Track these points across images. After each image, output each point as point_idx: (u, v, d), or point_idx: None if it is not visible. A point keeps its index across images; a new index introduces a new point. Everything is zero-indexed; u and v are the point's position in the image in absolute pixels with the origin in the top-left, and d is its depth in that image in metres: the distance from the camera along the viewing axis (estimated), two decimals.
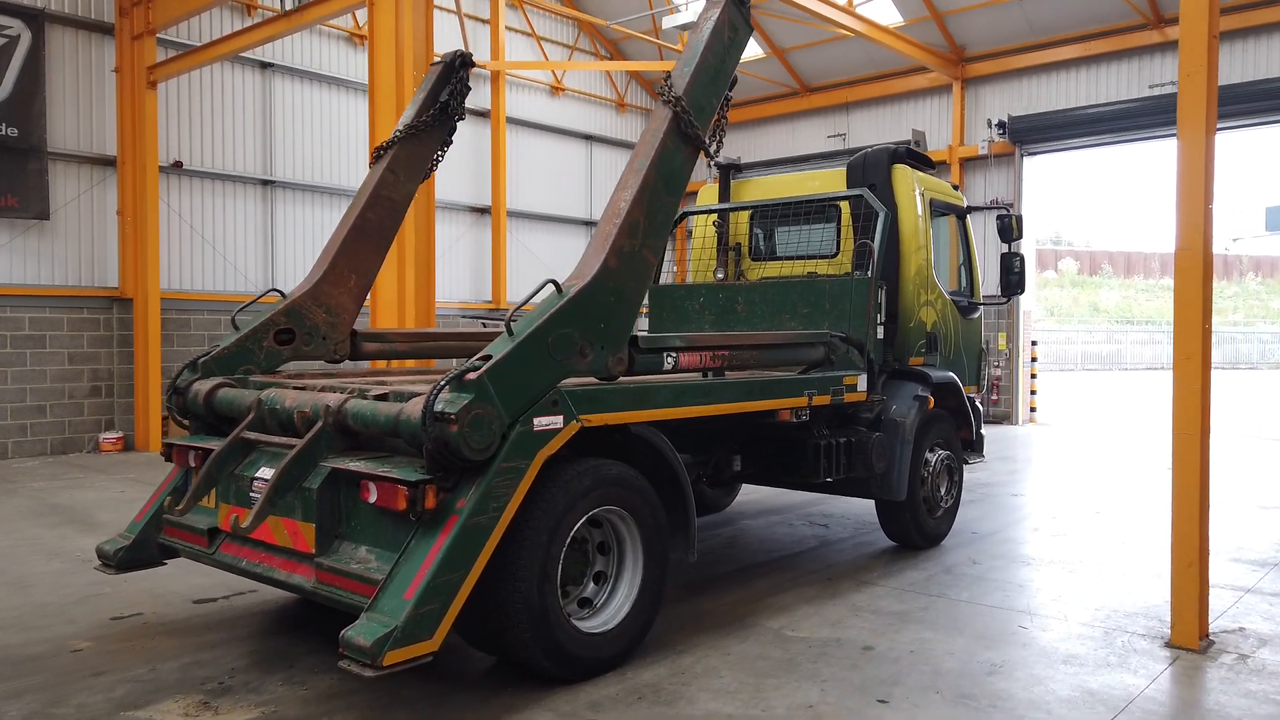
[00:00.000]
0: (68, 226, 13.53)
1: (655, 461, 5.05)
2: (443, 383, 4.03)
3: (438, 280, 11.24)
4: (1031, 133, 17.34)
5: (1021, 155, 17.74)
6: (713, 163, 8.41)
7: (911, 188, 7.50)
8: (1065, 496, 10.05)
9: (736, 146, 20.63)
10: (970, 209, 8.27)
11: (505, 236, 18.70)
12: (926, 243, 7.57)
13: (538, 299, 4.52)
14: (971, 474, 11.40)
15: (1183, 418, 5.02)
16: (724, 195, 8.45)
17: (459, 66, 6.61)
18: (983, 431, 8.37)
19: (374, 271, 6.34)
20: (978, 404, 8.42)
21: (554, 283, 4.49)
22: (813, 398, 6.02)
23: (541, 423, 4.26)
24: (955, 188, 8.35)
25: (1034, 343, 18.32)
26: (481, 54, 18.45)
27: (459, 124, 6.73)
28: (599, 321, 4.55)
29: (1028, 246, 17.95)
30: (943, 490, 7.51)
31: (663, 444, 5.02)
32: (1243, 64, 15.34)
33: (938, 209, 7.85)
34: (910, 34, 17.71)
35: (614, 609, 4.81)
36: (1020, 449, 14.46)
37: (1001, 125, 17.47)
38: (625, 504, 4.74)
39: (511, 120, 19.12)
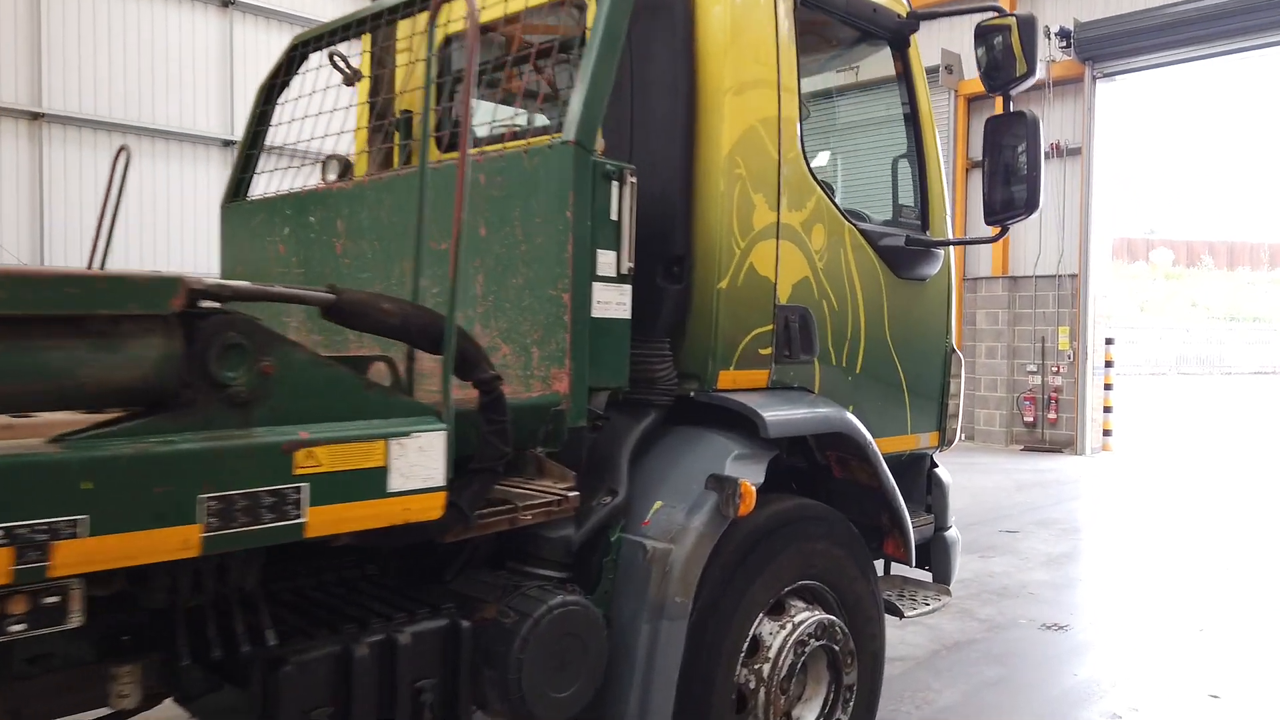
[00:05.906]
0: None
1: None
2: None
3: None
4: (1107, 44, 12.30)
5: (1094, 78, 12.71)
6: None
7: None
8: (1146, 628, 5.27)
9: None
10: (915, 17, 3.56)
11: None
12: (785, 80, 2.99)
13: None
14: (983, 565, 6.67)
15: None
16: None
17: None
18: (950, 529, 3.72)
19: None
20: (941, 475, 3.77)
21: None
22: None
23: None
24: None
25: (1109, 341, 13.26)
26: None
27: None
28: None
29: (1103, 219, 12.92)
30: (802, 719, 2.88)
31: None
32: None
33: (823, 8, 3.23)
34: None
35: None
36: (1079, 504, 9.57)
37: (1065, 35, 12.46)
38: None
39: None
